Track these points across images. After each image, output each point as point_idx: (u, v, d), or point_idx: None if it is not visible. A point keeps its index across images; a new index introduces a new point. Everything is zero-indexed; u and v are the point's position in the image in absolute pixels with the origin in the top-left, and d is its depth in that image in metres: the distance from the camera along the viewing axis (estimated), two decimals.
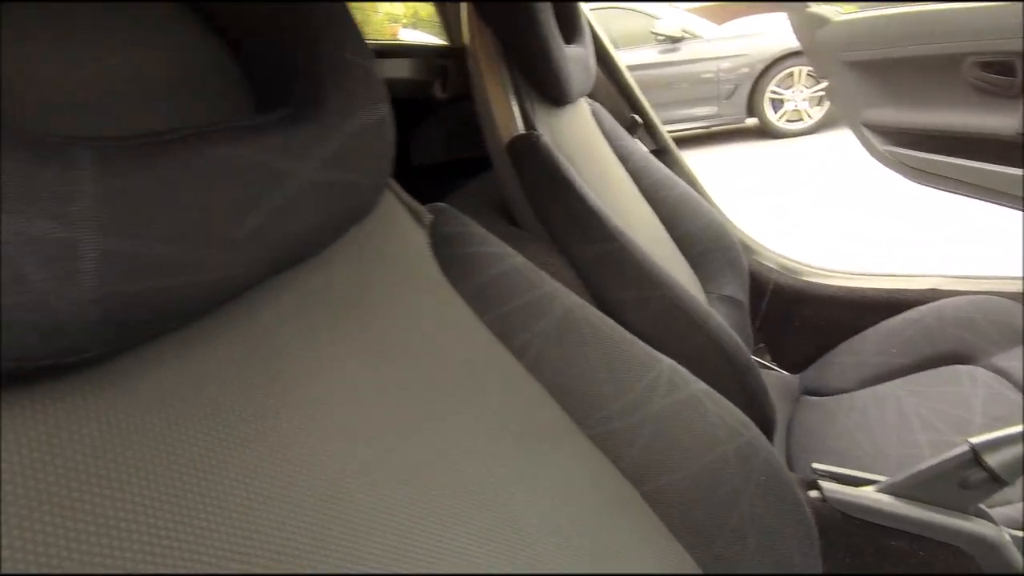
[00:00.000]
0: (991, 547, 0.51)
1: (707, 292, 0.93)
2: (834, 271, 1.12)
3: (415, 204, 0.39)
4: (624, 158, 0.89)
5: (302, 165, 0.23)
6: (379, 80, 0.31)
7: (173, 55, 0.24)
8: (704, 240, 0.91)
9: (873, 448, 0.83)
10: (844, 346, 1.01)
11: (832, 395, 0.97)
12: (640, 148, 0.94)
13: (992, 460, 0.50)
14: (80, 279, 0.15)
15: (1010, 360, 0.84)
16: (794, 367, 1.09)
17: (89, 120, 0.20)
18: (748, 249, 1.09)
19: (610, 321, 0.44)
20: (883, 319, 0.99)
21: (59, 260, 0.15)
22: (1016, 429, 0.50)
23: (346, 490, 0.24)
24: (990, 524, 0.52)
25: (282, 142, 0.23)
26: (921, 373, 0.92)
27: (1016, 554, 0.52)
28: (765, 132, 4.56)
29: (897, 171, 1.51)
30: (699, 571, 0.41)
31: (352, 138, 0.26)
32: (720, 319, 0.59)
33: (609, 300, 0.48)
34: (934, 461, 0.53)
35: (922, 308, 0.97)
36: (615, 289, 0.56)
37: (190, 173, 0.19)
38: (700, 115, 4.64)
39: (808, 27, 1.35)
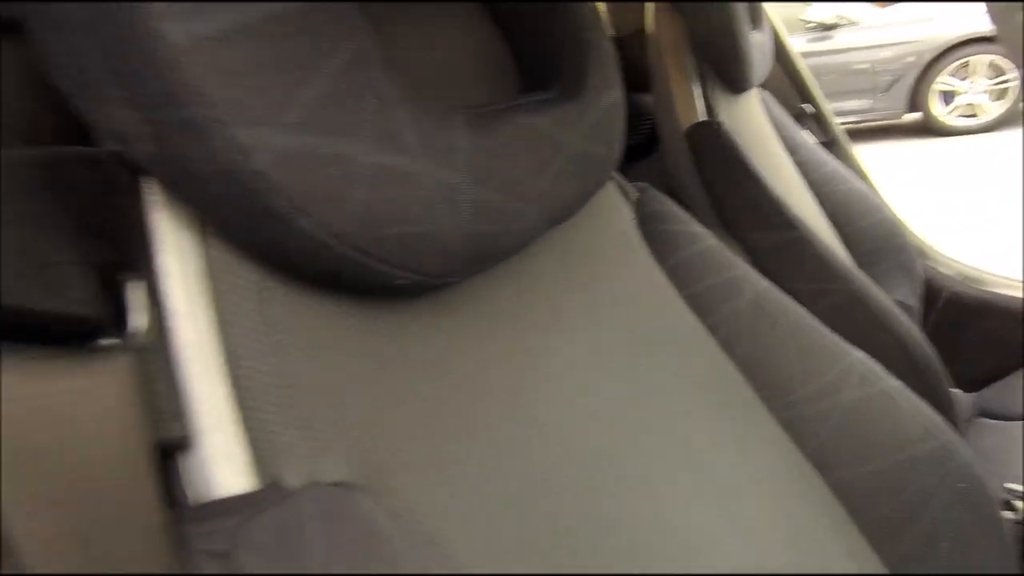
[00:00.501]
0: None
1: None
2: (1016, 280, 1.01)
3: (623, 181, 0.42)
4: (792, 149, 0.86)
5: (573, 136, 0.27)
6: (616, 61, 0.34)
7: (473, 45, 0.28)
8: (874, 239, 0.86)
9: None
10: None
11: (1014, 419, 0.88)
12: (809, 139, 0.90)
13: None
14: (460, 218, 0.19)
15: None
16: (967, 385, 1.00)
17: (426, 94, 0.24)
18: (923, 254, 1.00)
19: (800, 308, 0.44)
20: None
21: (449, 200, 0.19)
22: None
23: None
24: None
25: (561, 115, 0.26)
26: None
27: None
28: (929, 128, 4.09)
29: None
30: (885, 569, 0.41)
31: (605, 113, 0.29)
32: (908, 320, 0.56)
33: (786, 290, 0.47)
34: None
35: None
36: (792, 279, 0.55)
37: (514, 137, 0.22)
38: (851, 109, 4.25)
39: (1008, 9, 1.20)
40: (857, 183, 0.86)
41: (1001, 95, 3.85)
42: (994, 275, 1.03)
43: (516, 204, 0.22)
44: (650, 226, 0.41)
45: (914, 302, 0.90)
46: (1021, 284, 1.02)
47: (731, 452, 0.38)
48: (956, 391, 1.01)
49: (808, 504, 0.40)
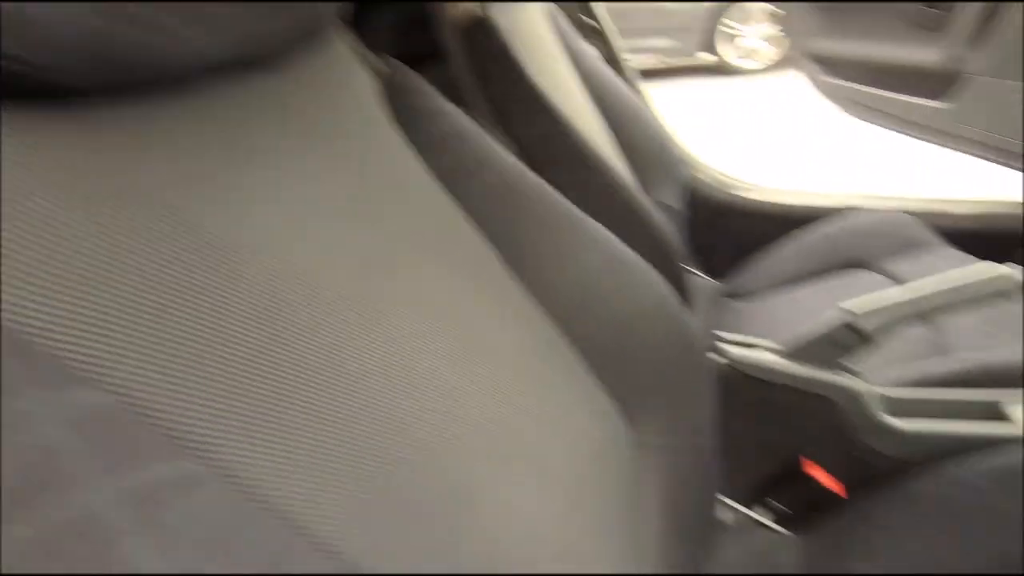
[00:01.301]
0: (853, 396, 0.61)
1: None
2: (761, 187, 1.21)
3: (372, 55, 0.42)
4: (575, 60, 0.91)
5: None
6: None
7: None
8: (647, 148, 0.96)
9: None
10: (767, 256, 1.11)
11: (751, 299, 1.07)
12: (592, 52, 0.97)
13: (867, 324, 0.59)
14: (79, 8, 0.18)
15: (897, 264, 0.95)
16: (719, 274, 1.19)
17: None
18: (687, 163, 1.15)
19: (550, 189, 0.49)
20: (801, 230, 1.09)
21: None
22: (883, 295, 0.58)
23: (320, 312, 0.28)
24: (855, 378, 0.62)
25: None
26: (827, 280, 1.02)
27: (874, 402, 0.62)
28: (721, 69, 4.60)
29: (838, 104, 1.60)
30: (614, 407, 0.48)
31: None
32: (656, 209, 0.65)
33: (550, 179, 0.52)
34: (814, 327, 0.62)
35: (835, 221, 1.07)
36: (555, 169, 0.61)
37: None
38: (657, 47, 4.61)
39: None
40: (633, 96, 0.96)
41: (777, 41, 4.43)
42: (740, 181, 1.22)
43: (168, 16, 0.21)
44: (398, 100, 0.42)
45: (678, 204, 1.04)
46: (761, 189, 1.22)
47: (476, 308, 0.41)
48: (709, 279, 1.20)
49: (547, 355, 0.45)
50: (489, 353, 0.37)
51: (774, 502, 0.68)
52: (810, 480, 0.66)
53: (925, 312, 0.57)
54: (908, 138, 1.40)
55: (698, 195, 1.19)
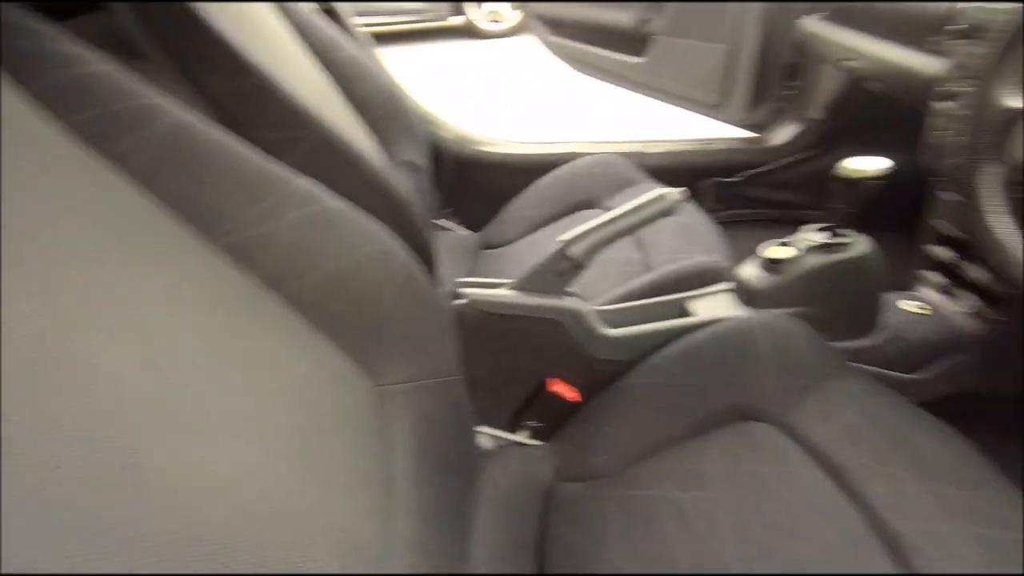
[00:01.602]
0: (576, 315, 0.70)
1: (389, 157, 0.99)
2: (503, 140, 1.28)
3: None
4: (287, 14, 0.85)
5: None
6: None
7: None
8: (378, 105, 0.95)
9: None
10: (511, 204, 1.19)
11: (502, 246, 1.15)
12: (305, 7, 0.92)
13: (574, 251, 0.67)
14: None
15: (615, 200, 1.10)
16: (476, 227, 1.25)
17: None
18: (428, 120, 1.17)
19: (234, 140, 0.45)
20: (538, 178, 1.19)
21: None
22: (587, 226, 0.67)
23: None
24: (576, 300, 0.71)
25: None
26: (560, 221, 1.14)
27: (593, 317, 0.72)
28: (470, 32, 4.75)
29: (564, 61, 1.76)
30: (346, 356, 0.48)
31: None
32: (376, 159, 0.65)
33: (253, 139, 0.48)
34: (542, 259, 0.69)
35: (564, 167, 1.19)
36: (260, 127, 0.57)
37: None
38: (412, 8, 4.57)
39: None
40: (356, 50, 0.93)
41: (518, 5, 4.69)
42: (484, 137, 1.29)
43: None
44: (7, 41, 0.34)
45: (422, 161, 1.05)
46: (503, 142, 1.30)
47: (158, 287, 0.37)
48: (467, 232, 1.25)
49: (257, 319, 0.43)
50: (166, 325, 0.34)
51: (529, 422, 0.76)
52: (555, 396, 0.74)
53: (617, 232, 0.66)
54: (621, 88, 1.62)
55: (446, 152, 1.23)
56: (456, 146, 1.21)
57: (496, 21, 4.72)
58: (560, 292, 0.70)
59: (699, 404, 0.66)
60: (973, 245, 0.49)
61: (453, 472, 0.55)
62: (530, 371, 0.73)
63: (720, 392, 0.66)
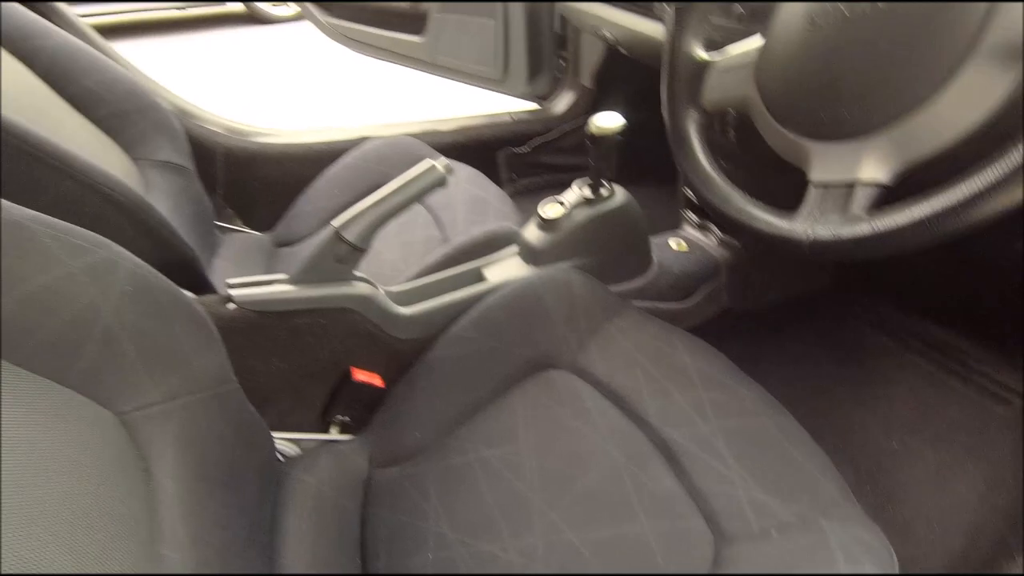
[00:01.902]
0: (368, 299, 0.69)
1: (136, 159, 0.87)
2: (282, 130, 1.20)
3: None
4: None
5: None
6: None
7: None
8: (112, 100, 0.83)
9: None
10: (301, 198, 1.13)
11: (298, 242, 1.08)
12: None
13: (350, 235, 0.65)
14: None
15: None
16: (267, 226, 1.16)
17: None
18: (187, 114, 1.05)
19: None
20: (326, 167, 1.13)
21: None
22: (358, 208, 0.65)
23: None
24: (364, 284, 0.69)
25: None
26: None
27: (385, 299, 0.71)
28: (254, 18, 4.38)
29: (340, 42, 1.68)
30: (63, 386, 0.41)
31: None
32: (87, 158, 0.56)
33: None
34: (315, 247, 0.66)
35: (353, 152, 1.15)
36: None
37: None
38: None
39: None
40: (69, 38, 0.80)
41: None
42: (259, 128, 1.19)
43: None
44: None
45: (185, 162, 0.95)
46: (282, 132, 1.22)
47: None
48: (256, 234, 1.16)
49: None
50: None
51: (339, 417, 0.73)
52: (361, 385, 0.72)
53: (391, 210, 0.65)
54: (405, 69, 1.60)
55: (218, 148, 1.12)
56: (229, 140, 1.11)
57: (279, 5, 4.40)
58: (346, 278, 0.68)
59: (499, 365, 0.69)
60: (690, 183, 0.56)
61: (240, 488, 0.51)
62: (330, 365, 0.70)
63: (516, 349, 0.69)
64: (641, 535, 0.52)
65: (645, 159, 1.19)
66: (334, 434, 0.73)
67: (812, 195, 0.45)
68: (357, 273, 0.69)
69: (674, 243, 1.01)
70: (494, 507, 0.59)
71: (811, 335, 1.06)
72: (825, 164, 0.44)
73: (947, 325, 0.99)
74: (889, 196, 0.42)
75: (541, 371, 0.69)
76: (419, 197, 0.65)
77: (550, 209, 0.78)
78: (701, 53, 0.57)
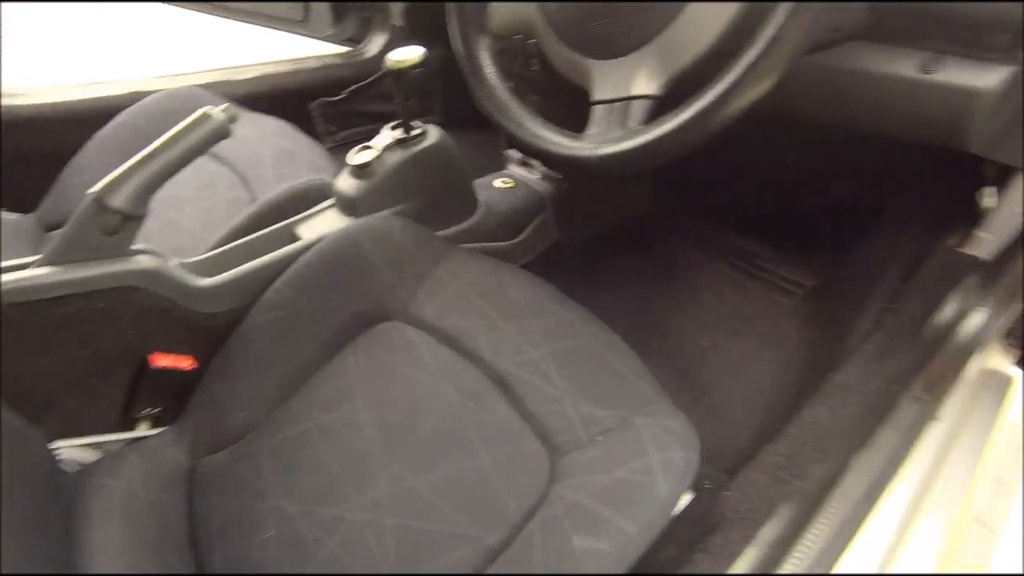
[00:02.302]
0: (154, 274, 0.60)
1: None
2: (32, 88, 1.00)
3: None
4: None
5: None
6: None
7: None
8: None
9: None
10: (68, 168, 0.95)
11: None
12: None
13: (116, 201, 0.55)
14: None
15: None
16: (29, 206, 0.97)
17: None
18: None
19: None
20: (95, 130, 0.96)
21: None
22: (120, 169, 0.56)
23: None
24: (146, 256, 0.60)
25: None
26: None
27: (178, 271, 0.63)
28: None
29: None
30: None
31: None
32: None
33: None
34: (72, 220, 0.55)
35: (130, 110, 0.98)
36: None
37: None
38: None
39: None
40: None
41: None
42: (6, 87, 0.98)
43: None
44: None
45: None
46: (29, 92, 1.01)
47: None
48: (15, 216, 0.97)
49: None
50: None
51: (145, 411, 0.65)
52: (164, 371, 0.64)
53: (167, 167, 0.57)
54: (194, 13, 1.40)
55: None
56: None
57: None
58: (122, 253, 0.58)
59: (324, 324, 0.65)
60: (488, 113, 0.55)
61: (8, 507, 0.43)
62: (122, 354, 0.61)
63: (341, 306, 0.66)
64: (481, 467, 0.53)
65: (467, 100, 1.17)
66: (143, 430, 0.64)
67: (596, 113, 0.46)
68: (137, 246, 0.59)
69: (499, 182, 1.01)
70: (337, 470, 0.56)
71: (636, 257, 1.14)
72: (605, 82, 0.45)
73: (741, 233, 1.12)
74: (663, 109, 0.45)
75: (373, 325, 0.66)
76: (199, 151, 0.57)
77: (361, 155, 0.73)
78: None
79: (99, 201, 0.54)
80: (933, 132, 0.53)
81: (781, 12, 0.36)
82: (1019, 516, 0.93)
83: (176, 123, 0.97)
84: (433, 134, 0.77)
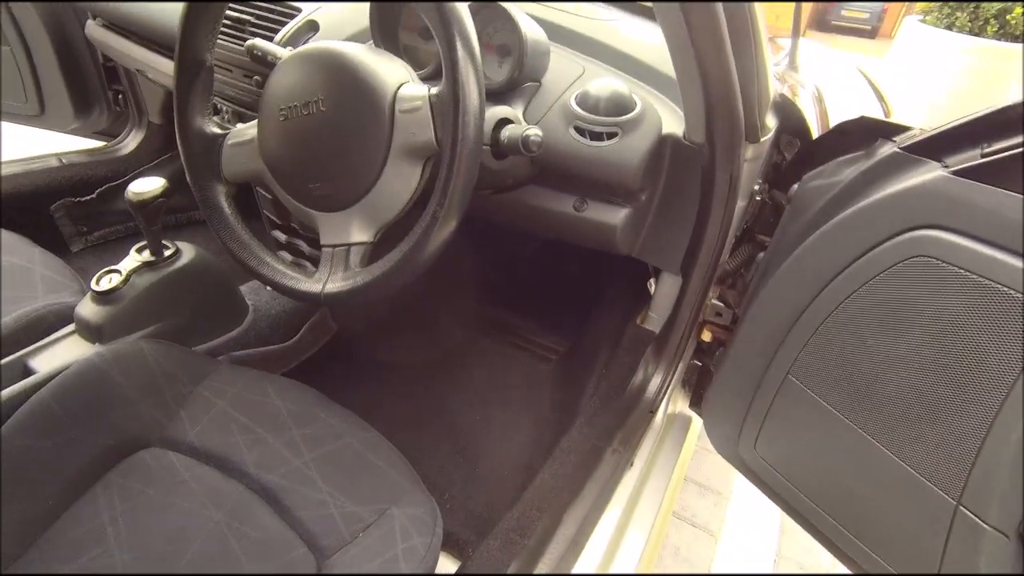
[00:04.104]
0: None
1: None
2: None
3: None
4: None
5: None
6: None
7: None
8: None
9: None
10: None
11: None
12: None
13: None
14: None
15: None
16: None
17: None
18: None
19: None
20: None
21: None
22: None
23: None
24: None
25: None
26: None
27: None
28: None
29: None
30: None
31: None
32: None
33: None
34: None
35: None
36: None
37: None
38: None
39: None
40: None
41: None
42: None
43: None
44: None
45: None
46: None
47: None
48: None
49: None
50: None
51: None
52: None
53: None
54: None
55: None
56: None
57: None
58: None
59: (67, 464, 0.61)
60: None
61: None
62: None
63: (90, 440, 0.63)
64: None
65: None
66: None
67: (323, 256, 0.54)
68: None
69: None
70: None
71: (413, 337, 1.23)
72: (328, 231, 0.54)
73: (507, 310, 1.28)
74: (386, 249, 0.54)
75: (127, 456, 0.64)
76: None
77: (105, 280, 0.72)
78: (211, 128, 0.61)
79: None
80: (594, 243, 0.71)
81: (447, 167, 0.48)
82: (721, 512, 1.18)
83: None
84: (187, 252, 0.78)
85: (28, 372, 0.69)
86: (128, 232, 1.31)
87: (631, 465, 0.71)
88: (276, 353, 0.97)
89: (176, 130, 0.60)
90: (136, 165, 1.32)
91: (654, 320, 0.83)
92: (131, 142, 1.32)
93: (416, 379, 1.13)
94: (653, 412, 0.78)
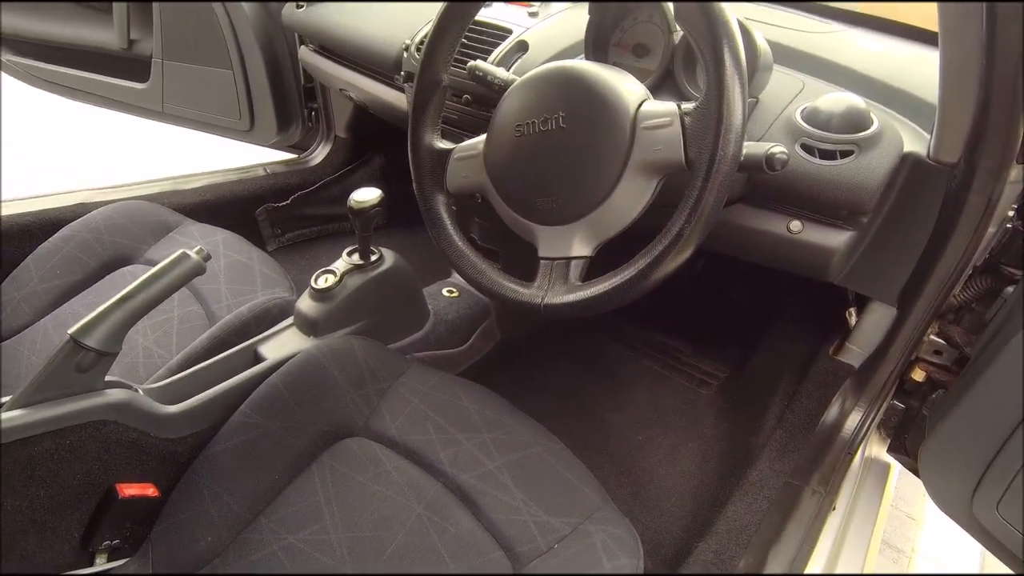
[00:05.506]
0: (125, 406, 0.62)
1: None
2: None
3: None
4: None
5: None
6: None
7: None
8: None
9: None
10: (8, 284, 0.94)
11: (12, 337, 0.90)
12: None
13: (92, 340, 0.58)
14: None
15: (159, 251, 0.99)
16: None
17: None
18: None
19: None
20: (39, 243, 0.97)
21: None
22: (99, 310, 0.59)
23: None
24: (117, 389, 0.62)
25: None
26: (95, 285, 0.96)
27: (147, 401, 0.65)
28: None
29: (26, 81, 1.43)
30: None
31: None
32: None
33: None
34: (46, 362, 0.57)
35: (74, 224, 0.99)
36: None
37: None
38: None
39: None
40: None
41: None
42: None
43: None
44: None
45: None
46: None
47: None
48: None
49: None
50: None
51: (106, 543, 0.64)
52: (131, 500, 0.64)
53: (141, 307, 0.60)
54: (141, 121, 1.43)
55: None
56: None
57: None
58: (94, 387, 0.60)
59: (290, 444, 0.68)
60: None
61: None
62: (84, 488, 0.61)
63: (308, 425, 0.69)
64: None
65: (409, 203, 1.25)
66: (101, 565, 0.63)
67: (542, 268, 0.55)
68: (108, 378, 0.61)
69: (446, 291, 1.09)
70: None
71: (570, 354, 1.23)
72: (548, 244, 0.55)
73: (664, 332, 1.25)
74: (596, 265, 0.55)
75: (337, 441, 0.70)
76: (174, 289, 0.61)
77: (323, 279, 0.79)
78: (439, 143, 0.65)
79: (76, 341, 0.57)
80: (801, 269, 0.66)
81: (699, 187, 0.47)
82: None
83: (127, 237, 1.01)
84: (389, 258, 0.85)
85: (258, 358, 0.77)
86: (312, 236, 1.45)
87: (834, 509, 0.65)
88: (451, 356, 1.02)
89: (408, 144, 0.65)
90: (323, 175, 1.45)
91: (853, 353, 0.76)
92: (319, 154, 1.46)
93: (574, 392, 1.14)
94: (851, 454, 0.72)
